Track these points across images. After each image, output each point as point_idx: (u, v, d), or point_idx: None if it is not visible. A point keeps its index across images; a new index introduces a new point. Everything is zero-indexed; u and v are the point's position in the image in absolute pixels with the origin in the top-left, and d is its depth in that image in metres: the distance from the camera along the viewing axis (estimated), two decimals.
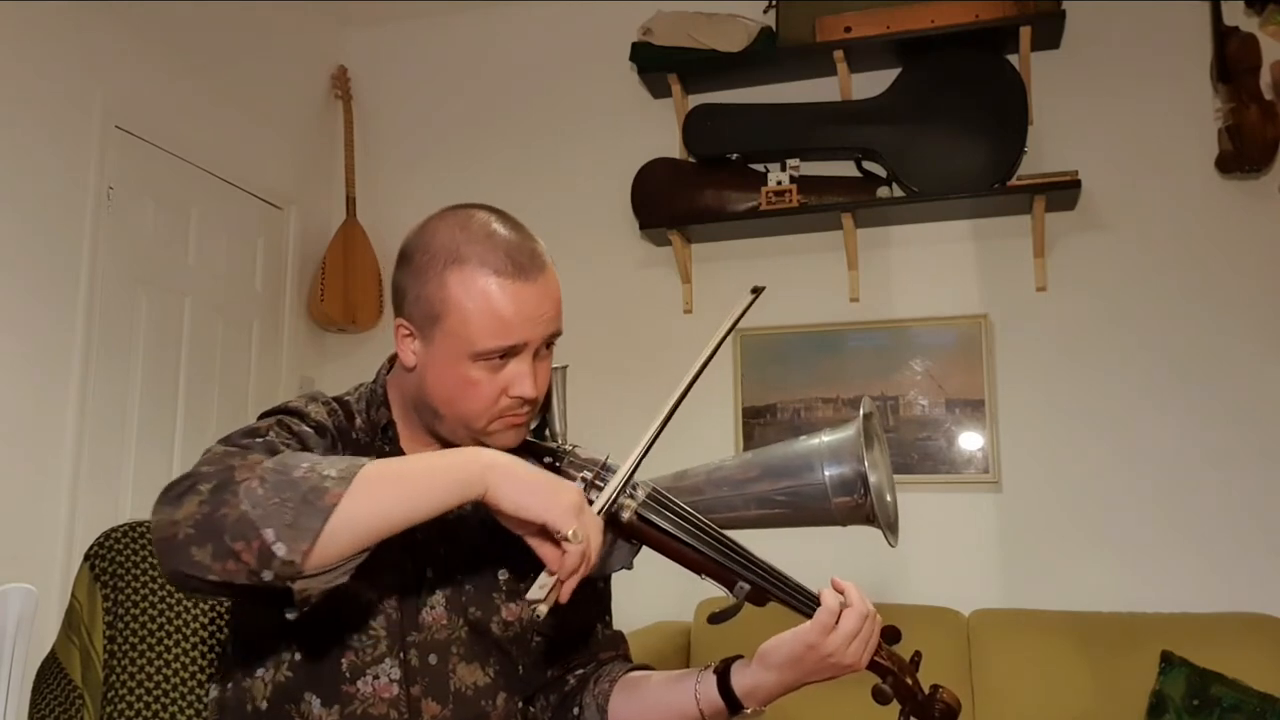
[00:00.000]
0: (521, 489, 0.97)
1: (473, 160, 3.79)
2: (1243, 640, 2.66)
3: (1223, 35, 3.04)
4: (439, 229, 1.13)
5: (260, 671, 1.11)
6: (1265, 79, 3.01)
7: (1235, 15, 3.08)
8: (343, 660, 1.09)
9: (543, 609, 0.95)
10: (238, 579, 0.91)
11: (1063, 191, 3.07)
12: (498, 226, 1.13)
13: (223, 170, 3.37)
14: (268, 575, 0.90)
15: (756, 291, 1.12)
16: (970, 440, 3.19)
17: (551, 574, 0.97)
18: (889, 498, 1.23)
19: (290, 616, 0.95)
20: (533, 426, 1.20)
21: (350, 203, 3.82)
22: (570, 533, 0.95)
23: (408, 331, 1.14)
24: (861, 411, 1.22)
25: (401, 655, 1.11)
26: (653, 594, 2.84)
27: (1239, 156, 2.99)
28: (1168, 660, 2.62)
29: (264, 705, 1.10)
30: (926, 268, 3.31)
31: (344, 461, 0.96)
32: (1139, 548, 3.00)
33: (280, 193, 3.67)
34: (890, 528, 1.21)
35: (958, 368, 3.22)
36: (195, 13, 3.27)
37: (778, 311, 3.38)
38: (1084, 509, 3.07)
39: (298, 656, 1.10)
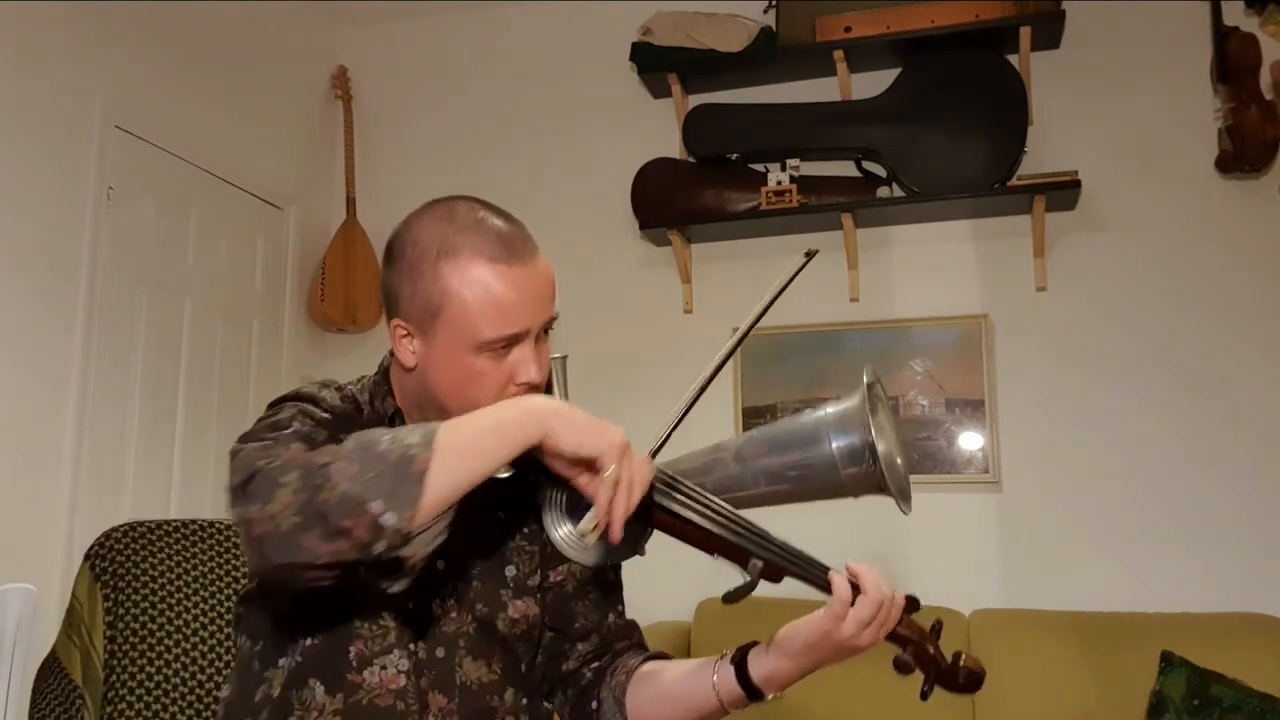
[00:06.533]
0: (579, 429, 1.02)
1: (473, 160, 3.79)
2: (1243, 640, 2.66)
3: (1222, 35, 3.04)
4: (424, 224, 1.13)
5: (282, 661, 1.12)
6: (1265, 79, 3.01)
7: (1235, 15, 3.08)
8: (350, 649, 1.10)
9: (593, 537, 1.03)
10: (347, 557, 0.94)
11: (1062, 191, 3.07)
12: (483, 213, 1.13)
13: (223, 170, 3.37)
14: (379, 546, 0.94)
15: (810, 254, 1.15)
16: (970, 440, 3.19)
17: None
18: (899, 460, 1.22)
19: (394, 589, 0.99)
20: None
21: (350, 203, 3.82)
22: (610, 469, 1.01)
23: (405, 332, 1.13)
24: (865, 379, 1.21)
25: (411, 646, 1.11)
26: (653, 594, 2.83)
27: (1239, 156, 2.99)
28: (1168, 660, 2.62)
29: (276, 691, 1.10)
30: (926, 268, 3.31)
31: (419, 428, 1.00)
32: (1139, 548, 3.00)
33: (280, 193, 3.67)
34: (902, 495, 1.20)
35: (958, 368, 3.22)
36: (195, 13, 3.27)
37: (778, 311, 3.33)
38: (1084, 509, 3.07)
39: (309, 642, 1.11)
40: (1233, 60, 3.01)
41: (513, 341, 1.10)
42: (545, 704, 1.27)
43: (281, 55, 3.73)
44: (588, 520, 1.03)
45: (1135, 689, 2.62)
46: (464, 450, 0.99)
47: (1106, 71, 3.23)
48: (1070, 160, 3.15)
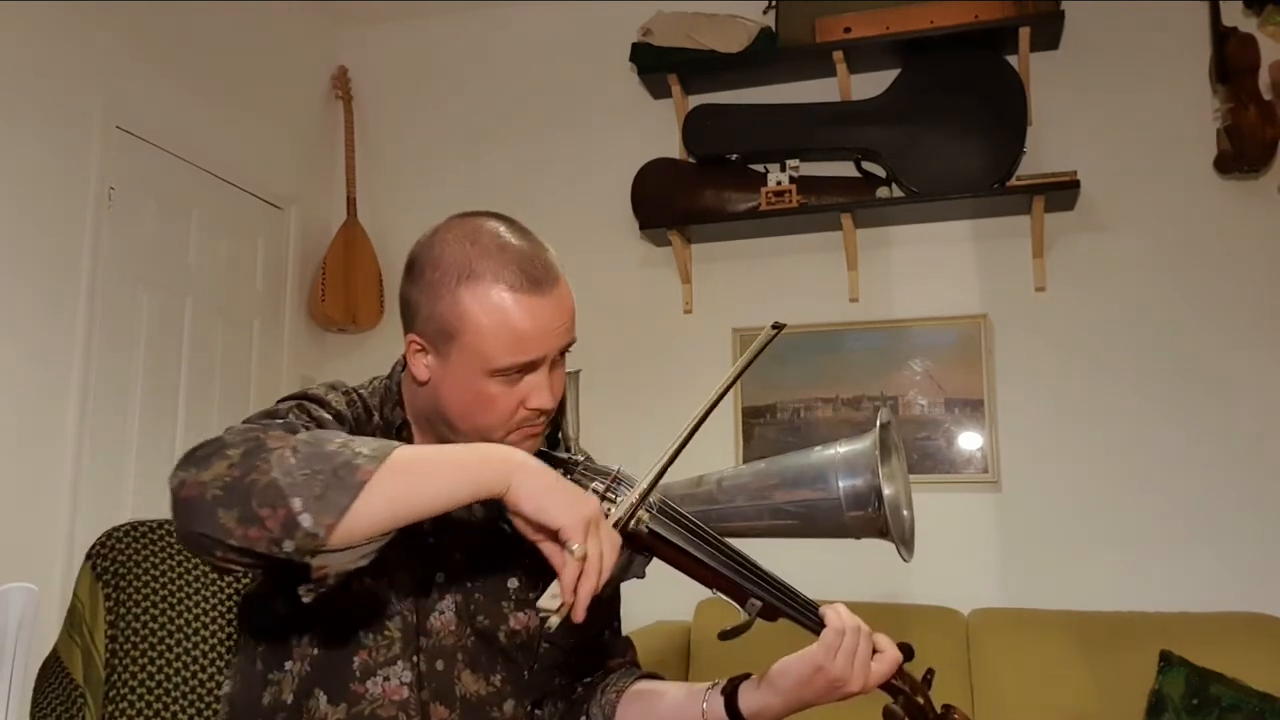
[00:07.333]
0: (544, 493, 0.96)
1: (473, 160, 3.80)
2: (1242, 640, 2.67)
3: (1222, 35, 3.05)
4: (448, 242, 1.11)
5: (288, 664, 1.11)
6: (1264, 79, 3.01)
7: (1234, 15, 3.09)
8: (355, 659, 1.09)
9: (554, 620, 0.94)
10: (257, 547, 0.89)
11: (1061, 192, 3.07)
12: (509, 237, 1.11)
13: (223, 170, 3.37)
14: (289, 546, 0.89)
15: (777, 327, 1.12)
16: (970, 440, 3.19)
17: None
18: (905, 512, 1.21)
19: (305, 598, 0.95)
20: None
21: (350, 203, 3.82)
22: (574, 547, 0.94)
23: (420, 347, 1.12)
24: (878, 422, 1.19)
25: (415, 659, 1.10)
26: (653, 594, 2.82)
27: (1238, 157, 3.00)
28: (1167, 660, 2.62)
29: (289, 699, 1.10)
30: (926, 268, 3.32)
31: (376, 441, 0.96)
32: (1138, 547, 3.01)
33: (280, 193, 3.68)
34: (904, 542, 1.19)
35: (957, 368, 3.22)
36: (195, 13, 3.27)
37: (777, 312, 3.34)
38: (1083, 509, 3.07)
39: (315, 652, 1.10)
40: (1232, 60, 3.02)
41: (527, 369, 1.09)
42: (536, 711, 1.27)
43: (281, 55, 3.73)
44: (549, 599, 0.95)
45: (1134, 688, 2.63)
46: (415, 476, 0.94)
47: (1106, 72, 3.24)
48: (1069, 161, 3.15)
